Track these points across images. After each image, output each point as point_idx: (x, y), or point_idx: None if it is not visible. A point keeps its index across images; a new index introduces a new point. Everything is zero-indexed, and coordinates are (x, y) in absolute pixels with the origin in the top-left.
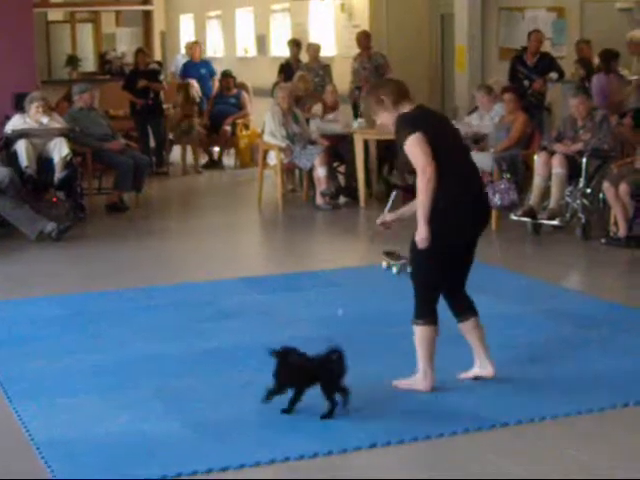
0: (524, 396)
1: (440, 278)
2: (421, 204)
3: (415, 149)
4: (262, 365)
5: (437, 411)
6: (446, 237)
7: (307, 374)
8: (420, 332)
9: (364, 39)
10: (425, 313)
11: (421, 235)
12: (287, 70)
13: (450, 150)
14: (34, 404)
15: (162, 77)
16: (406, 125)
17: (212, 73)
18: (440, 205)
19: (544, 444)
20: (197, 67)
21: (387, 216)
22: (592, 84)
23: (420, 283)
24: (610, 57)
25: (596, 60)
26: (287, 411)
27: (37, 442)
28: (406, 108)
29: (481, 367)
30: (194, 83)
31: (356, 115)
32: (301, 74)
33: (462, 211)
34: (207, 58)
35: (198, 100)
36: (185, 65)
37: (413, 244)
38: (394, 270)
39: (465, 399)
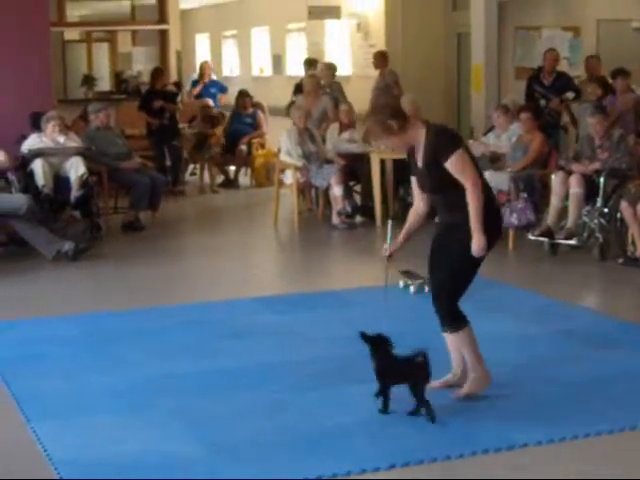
0: (543, 416)
1: (467, 284)
2: (477, 217)
3: (465, 165)
4: (279, 385)
5: (454, 431)
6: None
7: (394, 372)
8: (463, 336)
9: (379, 59)
10: (459, 317)
11: (480, 245)
12: (303, 90)
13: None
14: (51, 424)
15: (179, 99)
16: (450, 141)
17: (223, 90)
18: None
19: (564, 465)
20: (207, 87)
21: (390, 248)
22: (607, 104)
23: (452, 289)
24: (617, 74)
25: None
26: (383, 411)
27: (55, 462)
28: (417, 126)
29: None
30: (210, 103)
31: None
32: (323, 64)
33: (494, 220)
34: (214, 78)
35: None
36: (194, 84)
37: (446, 253)
38: (411, 290)
39: (482, 419)
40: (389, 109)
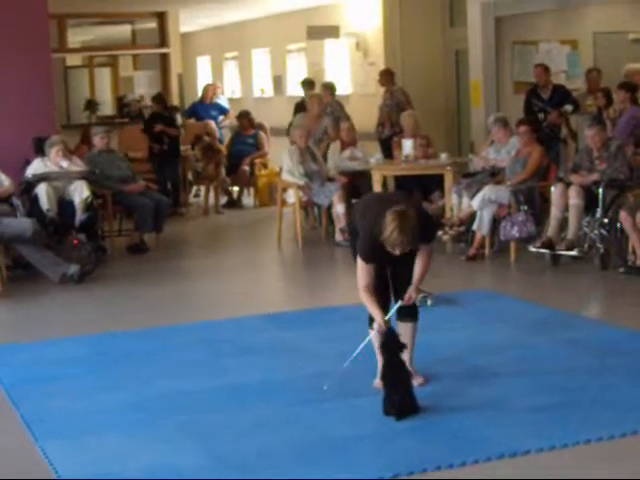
0: (546, 423)
1: None
2: (421, 279)
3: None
4: (285, 399)
5: (458, 440)
6: None
7: None
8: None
9: (385, 77)
10: None
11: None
12: (302, 109)
13: None
14: (60, 442)
15: (179, 122)
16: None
17: (224, 111)
18: None
19: (567, 471)
20: (208, 109)
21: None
22: (624, 116)
23: None
24: (635, 89)
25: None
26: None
27: None
28: None
29: None
30: (212, 124)
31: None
32: (322, 84)
33: None
34: (221, 100)
35: (217, 141)
36: (195, 105)
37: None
38: (428, 302)
39: (483, 427)
40: (415, 220)
